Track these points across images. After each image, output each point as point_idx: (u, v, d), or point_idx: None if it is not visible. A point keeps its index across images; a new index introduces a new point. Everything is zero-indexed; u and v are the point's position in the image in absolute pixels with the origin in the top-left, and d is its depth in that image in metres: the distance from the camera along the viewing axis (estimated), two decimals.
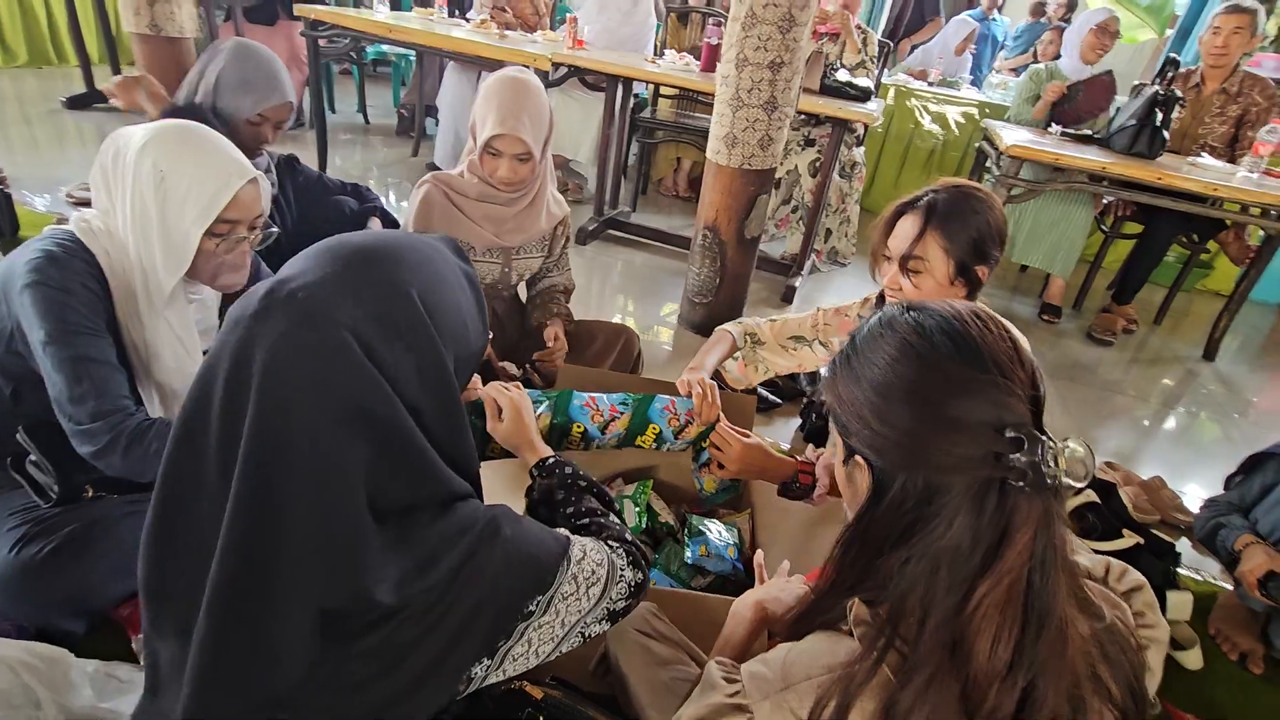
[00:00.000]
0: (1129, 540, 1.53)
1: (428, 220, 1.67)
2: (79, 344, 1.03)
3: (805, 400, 2.10)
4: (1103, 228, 3.34)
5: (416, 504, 0.65)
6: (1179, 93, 2.54)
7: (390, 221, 2.01)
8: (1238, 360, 3.22)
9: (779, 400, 2.13)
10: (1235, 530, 1.47)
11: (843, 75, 2.78)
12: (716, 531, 1.41)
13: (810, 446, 1.63)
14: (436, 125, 3.93)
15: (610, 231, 3.43)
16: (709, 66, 2.93)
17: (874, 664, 0.59)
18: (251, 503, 0.56)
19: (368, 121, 4.69)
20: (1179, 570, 1.51)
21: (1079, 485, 0.60)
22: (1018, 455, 0.57)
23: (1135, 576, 0.74)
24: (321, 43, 3.12)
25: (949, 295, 1.27)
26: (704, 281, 2.45)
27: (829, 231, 3.38)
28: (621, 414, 1.32)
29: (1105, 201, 3.20)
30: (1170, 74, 2.58)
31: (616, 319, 2.61)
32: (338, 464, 0.58)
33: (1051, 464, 0.57)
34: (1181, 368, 3.03)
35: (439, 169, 3.86)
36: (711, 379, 1.42)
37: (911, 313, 0.66)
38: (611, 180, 3.25)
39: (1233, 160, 2.93)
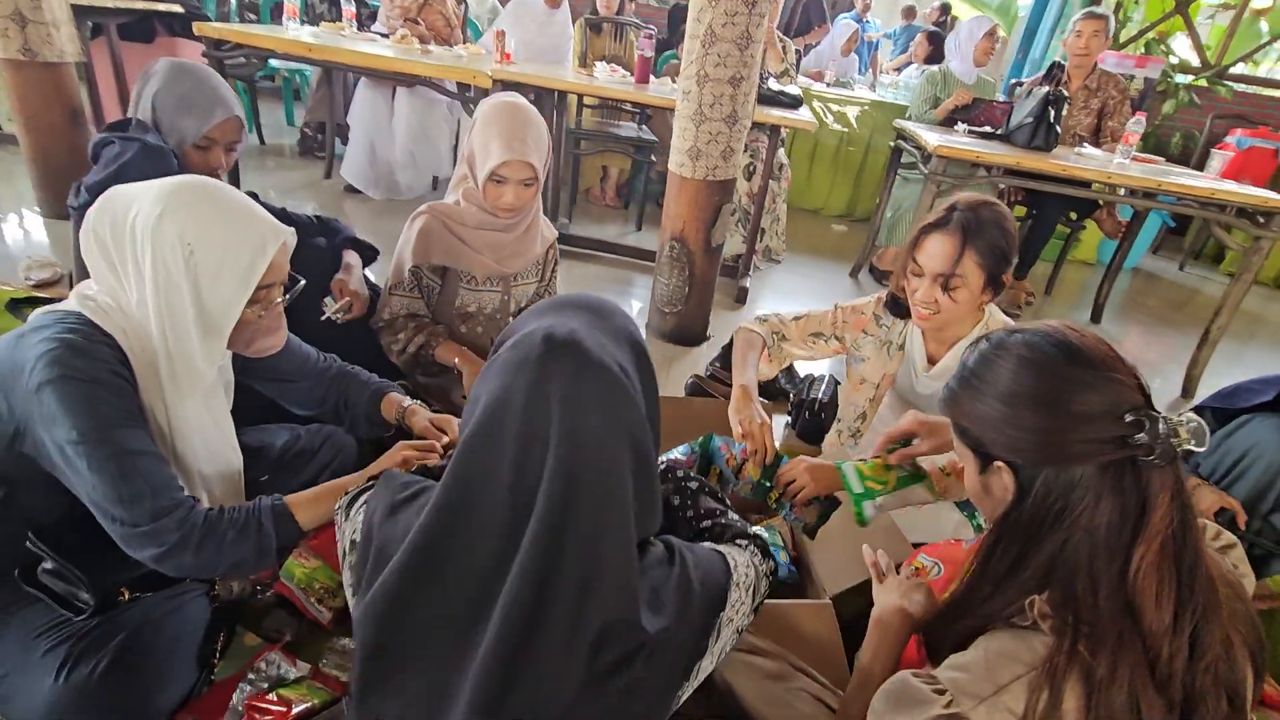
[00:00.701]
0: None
1: (427, 252, 1.61)
2: (119, 438, 0.92)
3: (792, 400, 2.20)
4: None
5: (644, 534, 0.71)
6: (1065, 92, 2.88)
7: (363, 247, 1.91)
8: (1117, 320, 3.69)
9: (765, 400, 2.22)
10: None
11: (773, 84, 2.92)
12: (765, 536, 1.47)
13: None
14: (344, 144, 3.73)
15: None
16: (643, 78, 2.98)
17: (1071, 649, 0.67)
18: (554, 528, 0.59)
19: (263, 142, 4.36)
20: None
21: (1201, 449, 0.71)
22: (1141, 434, 0.67)
23: (1227, 536, 0.86)
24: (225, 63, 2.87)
25: (980, 303, 1.39)
26: (673, 291, 2.50)
27: (762, 231, 3.53)
28: (687, 458, 1.34)
29: (1000, 189, 3.56)
30: (1058, 76, 2.92)
31: None
32: (622, 492, 0.63)
33: (1173, 436, 0.67)
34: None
35: (357, 190, 3.69)
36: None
37: (1016, 334, 0.78)
38: (552, 194, 3.23)
39: (1097, 146, 3.35)
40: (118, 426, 0.92)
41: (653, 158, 3.73)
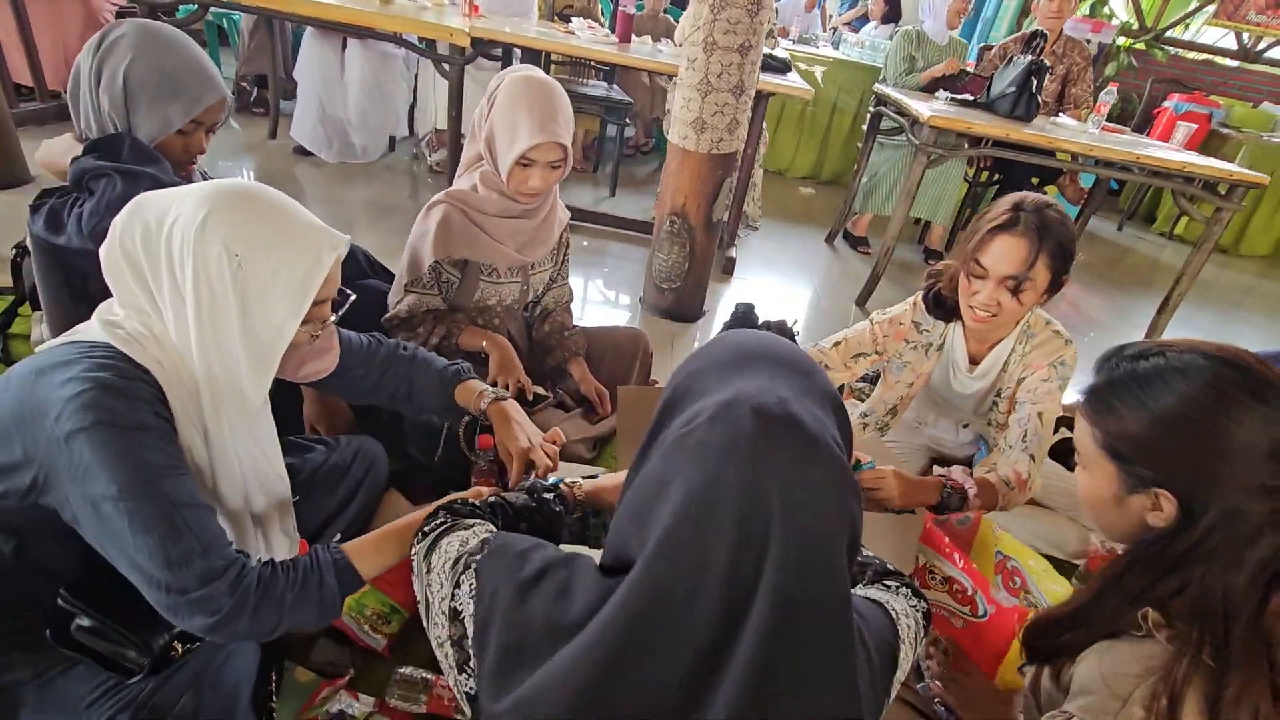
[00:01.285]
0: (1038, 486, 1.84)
1: (448, 245, 1.49)
2: (166, 492, 0.80)
3: None
4: (968, 179, 3.79)
5: None
6: (1048, 63, 2.91)
7: (373, 262, 1.76)
8: (1078, 281, 3.87)
9: None
10: None
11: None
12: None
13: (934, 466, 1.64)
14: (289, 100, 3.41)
15: None
16: (625, 37, 2.83)
17: (1194, 660, 0.70)
18: (776, 632, 0.52)
19: None
20: None
21: None
22: None
23: None
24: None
25: (1039, 304, 1.40)
26: (673, 267, 2.44)
27: (742, 198, 3.47)
28: None
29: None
30: (1039, 45, 2.94)
31: (581, 322, 2.52)
32: (844, 584, 0.57)
33: None
34: None
35: (309, 153, 3.40)
36: None
37: (1199, 357, 0.74)
38: None
39: (1059, 113, 3.44)
40: (164, 478, 0.81)
41: (627, 120, 3.59)
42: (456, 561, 0.71)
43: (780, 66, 2.78)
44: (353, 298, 1.01)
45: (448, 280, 1.57)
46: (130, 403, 0.80)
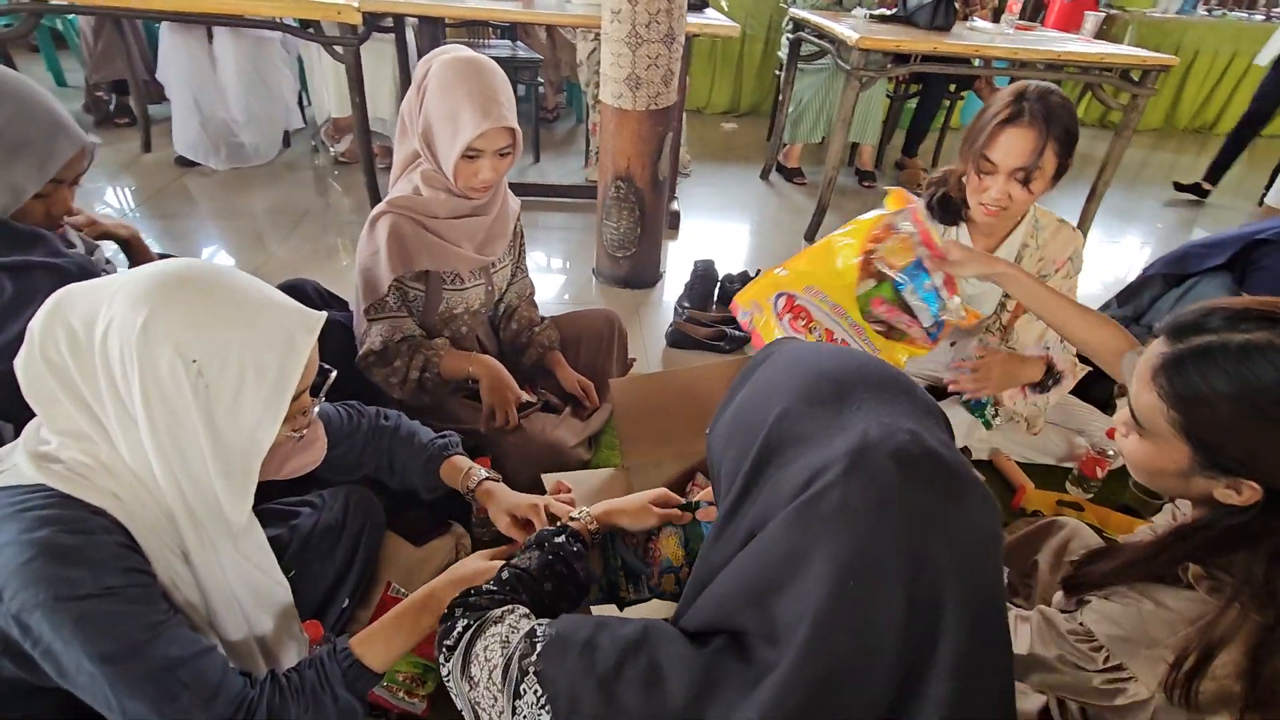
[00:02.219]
0: (1083, 371, 1.90)
1: (405, 258, 1.35)
2: (154, 655, 0.70)
3: None
4: (889, 95, 3.77)
5: None
6: None
7: (322, 292, 1.58)
8: None
9: (747, 334, 2.17)
10: (1140, 337, 1.88)
11: None
12: None
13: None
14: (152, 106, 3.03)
15: None
16: None
17: (1240, 617, 0.70)
18: (959, 699, 0.47)
19: None
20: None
21: None
22: None
23: None
24: None
25: (1047, 190, 1.37)
26: (624, 234, 2.33)
27: None
28: None
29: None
30: None
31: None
32: (1008, 631, 0.52)
33: None
34: None
35: (194, 163, 3.06)
36: None
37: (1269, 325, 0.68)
38: None
39: (967, 16, 3.44)
40: (148, 642, 0.70)
41: (539, 79, 3.37)
42: (506, 669, 0.62)
43: (698, 3, 2.63)
44: (333, 375, 0.87)
45: (414, 297, 1.43)
46: (90, 566, 0.67)
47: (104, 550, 0.68)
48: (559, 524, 0.95)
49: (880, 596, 0.47)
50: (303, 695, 0.81)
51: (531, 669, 0.60)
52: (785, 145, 3.62)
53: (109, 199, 2.84)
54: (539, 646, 0.62)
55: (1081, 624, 0.81)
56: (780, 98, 3.49)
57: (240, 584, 0.84)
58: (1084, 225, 3.10)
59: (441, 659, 0.72)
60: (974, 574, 0.48)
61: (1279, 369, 0.65)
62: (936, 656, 0.47)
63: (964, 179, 1.42)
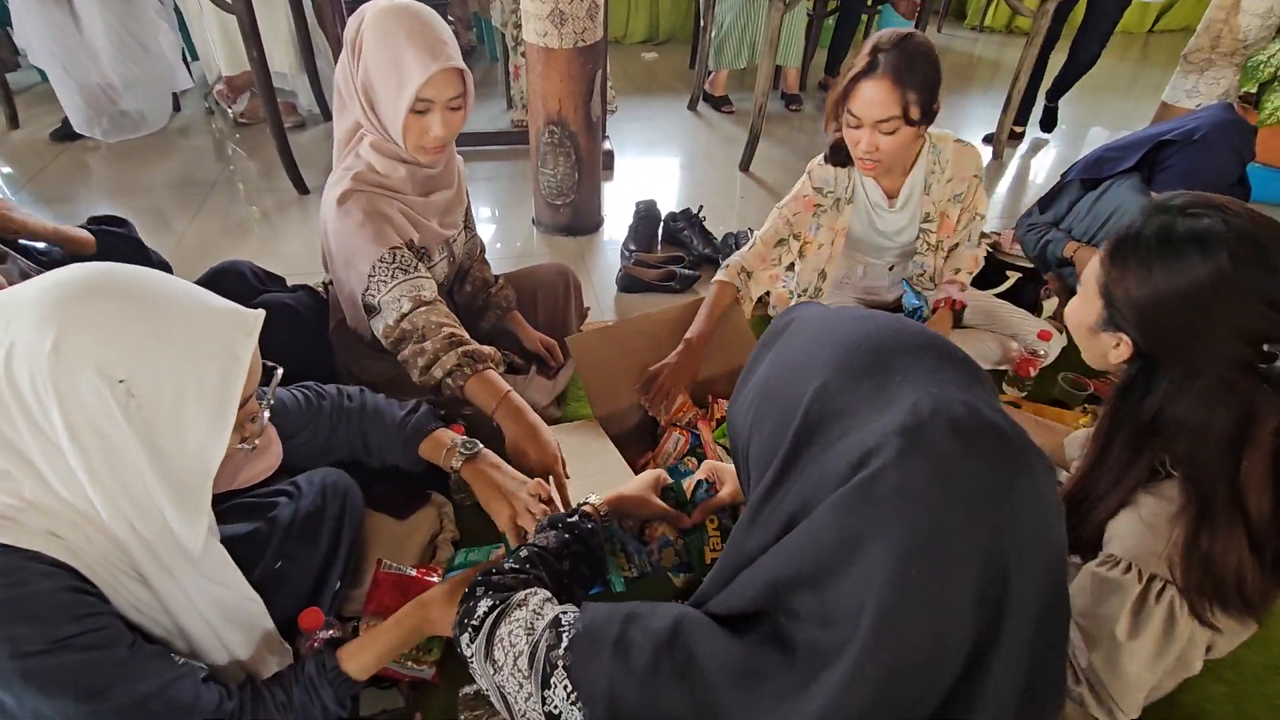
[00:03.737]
0: (1013, 277, 2.00)
1: (384, 233, 1.24)
2: (121, 690, 0.69)
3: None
4: (809, 13, 3.73)
5: None
6: None
7: (258, 273, 1.49)
8: None
9: (696, 273, 2.19)
10: (1059, 242, 2.00)
11: None
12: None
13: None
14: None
15: None
16: None
17: (1202, 502, 0.79)
18: (1028, 685, 0.48)
19: None
20: (1045, 286, 2.03)
21: None
22: (1269, 366, 0.73)
23: None
24: None
25: (917, 136, 1.43)
26: (561, 181, 2.27)
27: None
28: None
29: None
30: None
31: None
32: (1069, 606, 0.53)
33: None
34: None
35: (76, 135, 2.77)
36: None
37: (1231, 232, 0.74)
38: None
39: None
40: (111, 684, 0.68)
41: (450, 18, 3.17)
42: (533, 658, 0.62)
43: None
44: (279, 373, 0.82)
45: (415, 255, 1.30)
46: (35, 622, 0.63)
47: (48, 600, 0.64)
48: (572, 510, 0.95)
49: (950, 581, 0.45)
50: (290, 710, 0.82)
51: (560, 663, 0.60)
52: (710, 73, 3.56)
53: None
54: (565, 639, 0.61)
55: (1109, 555, 0.85)
56: (701, 23, 3.40)
57: (208, 606, 0.80)
58: (1001, 135, 3.20)
59: (465, 639, 0.72)
60: (1042, 550, 0.47)
61: (1180, 260, 0.76)
62: (1002, 637, 0.46)
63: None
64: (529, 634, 0.66)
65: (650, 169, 3.02)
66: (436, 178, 1.33)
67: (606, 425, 1.46)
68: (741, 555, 0.58)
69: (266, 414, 0.80)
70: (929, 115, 1.40)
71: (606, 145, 2.90)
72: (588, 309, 1.94)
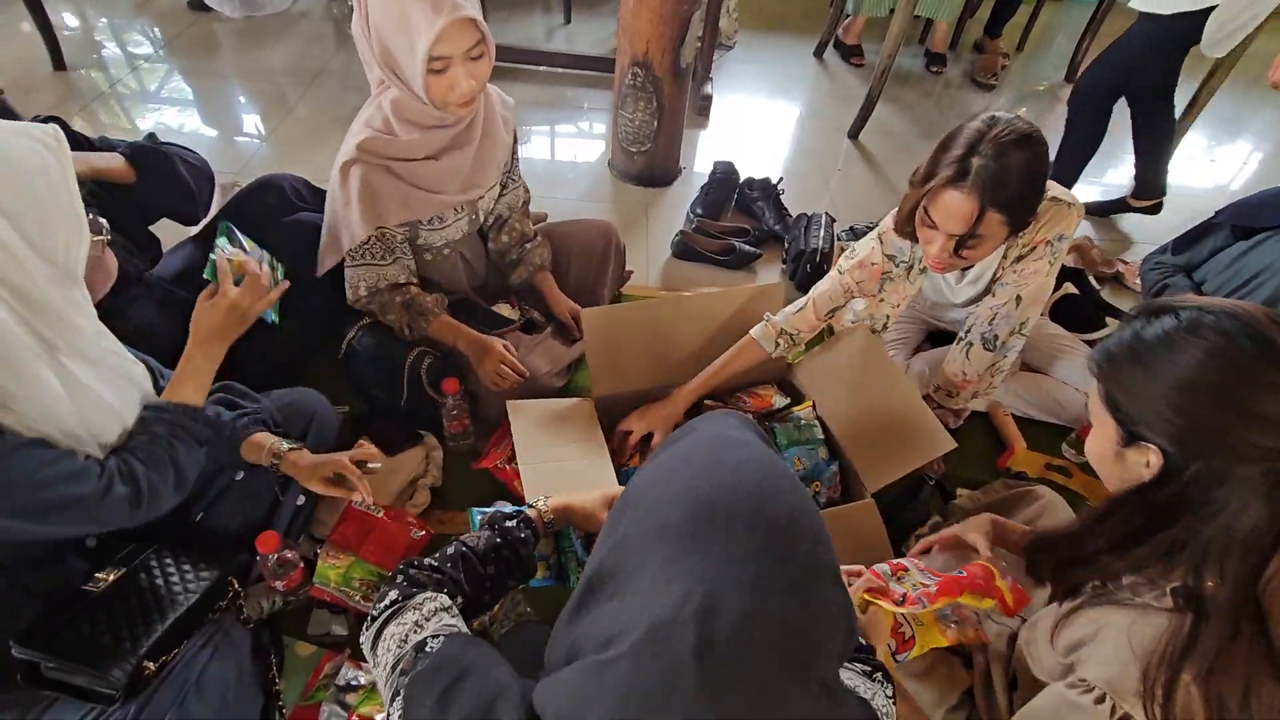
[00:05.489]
0: (1113, 325, 1.74)
1: (381, 214, 1.28)
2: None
3: (787, 248, 2.04)
4: None
5: None
6: None
7: (300, 192, 1.51)
8: None
9: (758, 251, 2.06)
10: (1180, 291, 1.71)
11: None
12: None
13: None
14: None
15: None
16: None
17: (1192, 632, 0.69)
18: None
19: None
20: None
21: None
22: None
23: None
24: None
25: (998, 249, 1.24)
26: (639, 127, 2.15)
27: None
28: None
29: None
30: None
31: (545, 196, 2.29)
32: None
33: None
34: (1055, 98, 3.21)
35: (206, 8, 2.90)
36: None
37: (1210, 316, 0.72)
38: None
39: None
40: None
41: None
42: (394, 668, 0.64)
43: None
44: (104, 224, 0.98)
45: (401, 240, 1.36)
46: None
47: None
48: (517, 509, 0.95)
49: None
50: (154, 450, 0.94)
51: (401, 690, 0.61)
52: (848, 17, 3.21)
53: (135, 38, 2.78)
54: (417, 667, 0.62)
55: (1081, 679, 0.79)
56: None
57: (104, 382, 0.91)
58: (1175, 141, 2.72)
59: (365, 625, 0.75)
60: None
61: (1176, 351, 0.72)
62: None
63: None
64: (400, 646, 0.68)
65: (751, 121, 2.80)
66: (455, 138, 1.29)
67: (600, 408, 1.43)
68: (561, 648, 0.56)
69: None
70: (1019, 229, 1.18)
71: (707, 89, 2.71)
72: (630, 272, 1.89)
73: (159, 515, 0.94)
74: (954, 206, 1.12)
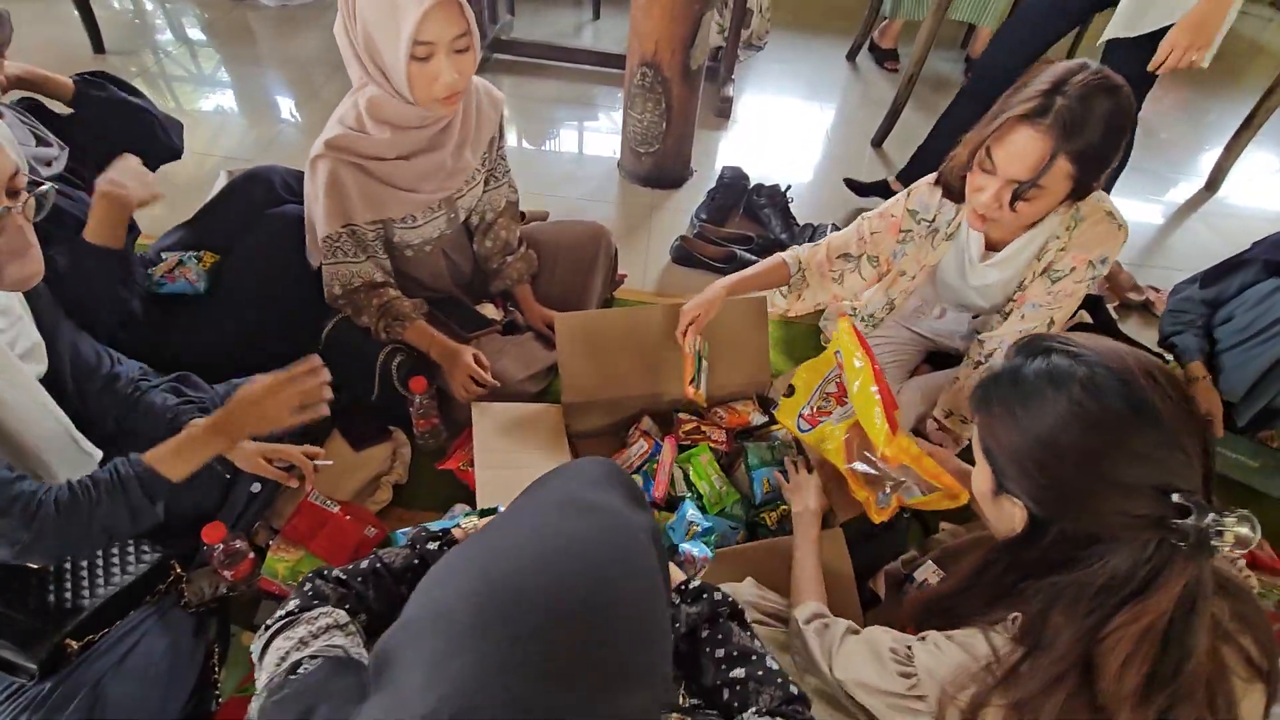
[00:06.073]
0: None
1: (346, 211, 1.27)
2: None
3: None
4: None
5: None
6: None
7: (290, 185, 1.51)
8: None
9: (759, 260, 1.99)
10: (1189, 353, 1.59)
11: None
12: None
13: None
14: None
15: (497, 57, 2.84)
16: None
17: (1012, 667, 0.68)
18: None
19: None
20: None
21: (1241, 552, 0.69)
22: (1185, 521, 0.61)
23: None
24: None
25: (1054, 211, 1.14)
26: (647, 128, 2.11)
27: (749, 13, 2.93)
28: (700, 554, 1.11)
29: None
30: None
31: (551, 194, 2.27)
32: None
33: (1216, 534, 0.60)
34: None
35: None
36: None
37: (1082, 365, 0.66)
38: None
39: None
40: None
41: None
42: (265, 686, 0.62)
43: None
44: (48, 189, 0.85)
45: (374, 238, 1.35)
46: None
47: None
48: (444, 528, 0.93)
49: None
50: (94, 491, 0.90)
51: (254, 714, 0.59)
52: (884, 20, 3.10)
53: (174, 23, 2.88)
54: (281, 692, 0.60)
55: (909, 647, 0.80)
56: None
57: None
58: (1226, 161, 2.56)
59: (258, 635, 0.73)
60: None
61: (1044, 404, 0.67)
62: None
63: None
64: (279, 664, 0.65)
65: (774, 125, 2.73)
66: (431, 139, 1.28)
67: (569, 416, 1.40)
68: None
69: (18, 217, 0.81)
70: (1077, 196, 1.10)
71: (728, 91, 2.65)
72: (623, 276, 1.85)
73: (37, 563, 0.92)
74: (1024, 145, 1.02)
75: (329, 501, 1.26)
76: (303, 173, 1.56)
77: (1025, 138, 1.02)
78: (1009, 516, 0.75)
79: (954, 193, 1.24)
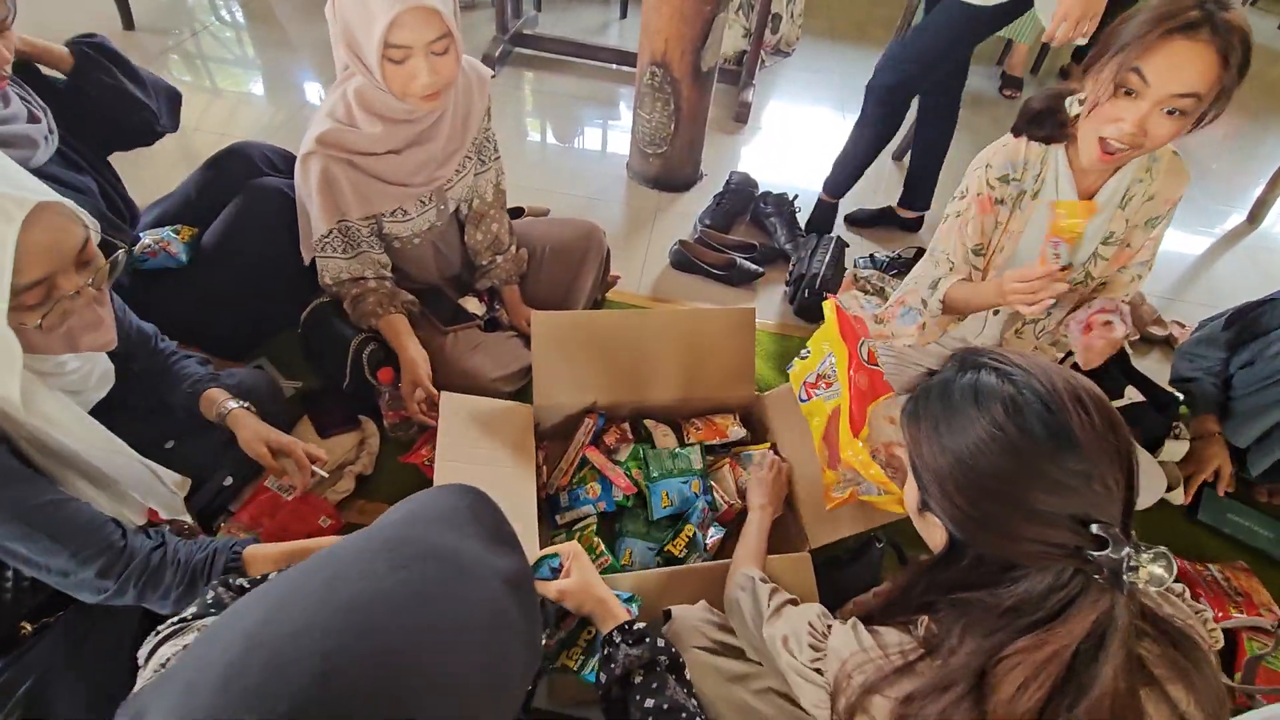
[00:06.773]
0: (1133, 398, 1.54)
1: (340, 208, 1.25)
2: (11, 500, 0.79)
3: (791, 270, 1.91)
4: None
5: None
6: None
7: (273, 161, 1.51)
8: None
9: (760, 269, 1.94)
10: (1204, 405, 1.51)
11: None
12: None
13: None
14: None
15: (519, 51, 2.82)
16: None
17: (908, 664, 0.67)
18: None
19: None
20: (1178, 423, 1.53)
21: (1157, 590, 0.62)
22: (1102, 553, 0.58)
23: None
24: None
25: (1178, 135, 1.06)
26: (656, 129, 2.07)
27: (777, 18, 2.88)
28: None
29: None
30: None
31: (557, 191, 2.24)
32: None
33: (1131, 569, 0.58)
34: None
35: None
36: None
37: (1009, 386, 0.64)
38: None
39: None
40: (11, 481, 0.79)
41: None
42: (140, 688, 0.59)
43: None
44: (122, 254, 0.84)
45: (369, 233, 1.33)
46: None
47: None
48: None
49: None
50: (183, 570, 0.90)
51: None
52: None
53: (202, 2, 2.91)
54: (140, 697, 0.58)
55: (829, 626, 0.80)
56: None
57: (74, 437, 0.89)
58: (1270, 194, 2.42)
59: (150, 636, 0.70)
60: None
61: (968, 425, 0.64)
62: None
63: (1081, 98, 1.07)
64: (156, 670, 0.62)
65: (795, 132, 2.67)
66: (420, 134, 1.25)
67: (540, 415, 1.37)
68: None
69: (89, 291, 0.81)
70: (1210, 116, 1.03)
71: (747, 96, 2.60)
72: (616, 277, 1.81)
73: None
74: (1186, 56, 0.96)
75: (284, 488, 1.24)
76: (283, 149, 1.57)
77: (1185, 49, 0.95)
78: (932, 535, 0.74)
79: (1055, 131, 1.15)
